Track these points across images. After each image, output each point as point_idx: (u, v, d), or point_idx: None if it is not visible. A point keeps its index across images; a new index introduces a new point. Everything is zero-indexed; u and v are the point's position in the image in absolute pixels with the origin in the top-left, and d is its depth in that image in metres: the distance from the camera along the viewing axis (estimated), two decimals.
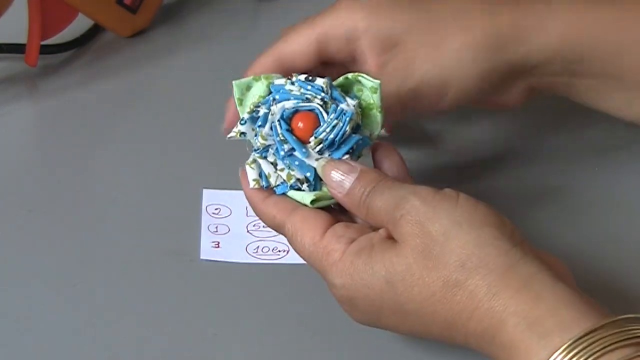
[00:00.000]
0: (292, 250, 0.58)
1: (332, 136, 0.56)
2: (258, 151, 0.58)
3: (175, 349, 0.62)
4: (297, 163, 0.56)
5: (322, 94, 0.56)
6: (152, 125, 0.77)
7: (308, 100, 0.56)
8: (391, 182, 0.55)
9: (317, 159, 0.56)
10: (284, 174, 0.57)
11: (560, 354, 0.48)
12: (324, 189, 0.57)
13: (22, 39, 0.79)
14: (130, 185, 0.72)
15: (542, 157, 0.72)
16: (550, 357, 0.48)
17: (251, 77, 0.59)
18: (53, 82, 0.80)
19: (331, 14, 0.64)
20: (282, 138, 0.56)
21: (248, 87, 0.59)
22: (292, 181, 0.56)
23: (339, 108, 0.56)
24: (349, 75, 0.58)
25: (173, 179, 0.72)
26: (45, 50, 0.81)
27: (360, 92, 0.58)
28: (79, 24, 0.82)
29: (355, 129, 0.57)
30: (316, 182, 0.57)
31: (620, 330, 0.48)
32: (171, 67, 0.82)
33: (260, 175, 0.57)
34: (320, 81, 0.57)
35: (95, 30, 0.84)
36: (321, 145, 0.56)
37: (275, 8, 0.86)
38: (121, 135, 0.77)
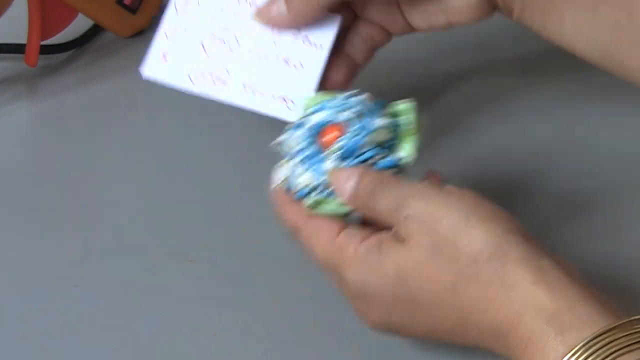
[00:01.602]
0: (231, 85, 0.62)
1: (349, 146, 0.57)
2: (290, 154, 0.59)
3: (175, 349, 0.62)
4: (314, 168, 0.58)
5: (359, 107, 0.58)
6: (151, 125, 0.77)
7: (344, 111, 0.58)
8: (392, 181, 0.56)
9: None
10: (304, 179, 0.58)
11: (577, 351, 0.47)
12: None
13: (22, 39, 0.79)
14: (130, 185, 0.72)
15: (540, 157, 0.72)
16: (567, 353, 0.48)
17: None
18: (53, 82, 0.80)
19: None
20: (306, 145, 0.58)
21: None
22: (309, 187, 0.58)
23: (363, 121, 0.58)
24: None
25: (173, 179, 0.72)
26: (45, 50, 0.81)
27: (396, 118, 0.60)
28: (79, 24, 0.82)
29: (383, 147, 0.58)
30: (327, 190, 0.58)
31: (636, 331, 0.48)
32: None
33: (286, 177, 0.59)
34: (361, 97, 0.59)
35: (95, 30, 0.84)
36: (338, 154, 0.57)
37: None
38: (121, 135, 0.77)
